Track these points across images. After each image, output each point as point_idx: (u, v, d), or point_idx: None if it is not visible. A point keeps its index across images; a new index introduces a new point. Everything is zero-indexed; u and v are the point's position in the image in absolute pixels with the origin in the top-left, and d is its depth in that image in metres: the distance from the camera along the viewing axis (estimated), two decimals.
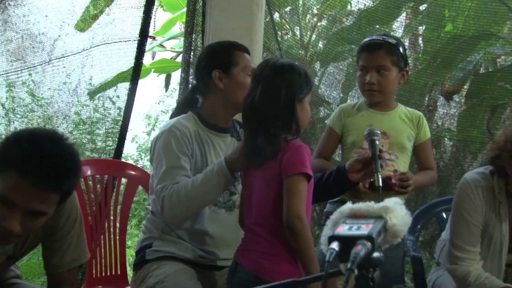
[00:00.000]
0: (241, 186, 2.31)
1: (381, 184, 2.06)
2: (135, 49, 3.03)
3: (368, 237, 1.16)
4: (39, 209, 1.69)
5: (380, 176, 2.06)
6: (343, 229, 1.20)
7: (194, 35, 3.19)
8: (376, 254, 1.19)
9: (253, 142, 1.96)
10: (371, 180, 2.33)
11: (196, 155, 2.23)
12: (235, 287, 1.99)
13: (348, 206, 1.31)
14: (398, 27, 3.56)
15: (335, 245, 1.16)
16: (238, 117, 2.46)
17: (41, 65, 3.07)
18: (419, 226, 2.88)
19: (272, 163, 1.95)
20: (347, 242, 1.16)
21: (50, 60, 3.04)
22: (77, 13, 3.02)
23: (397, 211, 1.28)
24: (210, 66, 2.28)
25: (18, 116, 3.49)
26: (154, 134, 6.82)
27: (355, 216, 1.27)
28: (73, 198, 1.94)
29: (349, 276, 1.10)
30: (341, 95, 3.58)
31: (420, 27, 3.70)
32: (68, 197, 1.79)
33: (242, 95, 2.24)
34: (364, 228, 1.20)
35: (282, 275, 1.79)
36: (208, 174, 2.09)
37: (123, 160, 3.86)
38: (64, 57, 3.06)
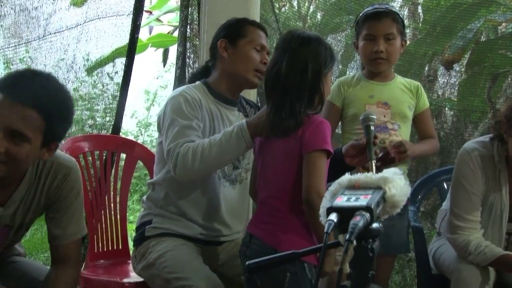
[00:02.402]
0: (245, 161, 2.30)
1: (374, 172, 2.02)
2: (130, 24, 2.99)
3: (367, 208, 1.16)
4: (19, 128, 1.71)
5: (374, 164, 2.02)
6: (341, 200, 1.20)
7: (190, 8, 3.15)
8: (375, 225, 1.19)
9: (277, 114, 1.94)
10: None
11: (205, 123, 2.21)
12: (250, 259, 1.98)
13: (347, 177, 1.30)
14: None
15: (333, 217, 1.16)
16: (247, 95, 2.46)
17: (35, 40, 3.04)
18: (420, 197, 2.88)
19: (292, 137, 1.94)
20: (346, 213, 1.16)
21: (44, 36, 3.00)
22: None
23: (396, 181, 1.27)
24: (219, 37, 2.29)
25: None
26: (154, 109, 6.85)
27: (353, 187, 1.26)
28: (77, 171, 1.99)
29: (348, 247, 1.10)
30: (340, 66, 3.54)
31: None
32: (57, 140, 1.84)
33: (243, 67, 2.22)
34: (363, 199, 1.19)
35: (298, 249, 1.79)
36: (227, 134, 2.05)
37: (122, 135, 3.86)
38: (58, 32, 3.03)
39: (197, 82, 2.31)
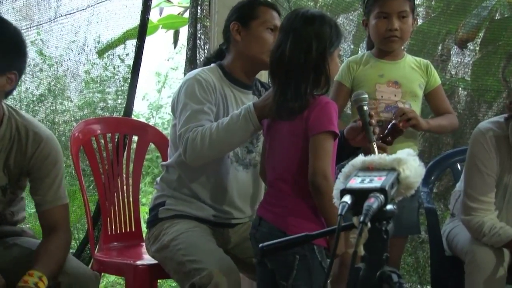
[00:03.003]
0: (260, 145, 2.30)
1: (376, 153, 1.97)
2: (141, 5, 2.98)
3: (381, 190, 1.14)
4: None
5: (375, 145, 1.99)
6: (355, 182, 1.19)
7: None
8: (389, 207, 1.18)
9: (282, 96, 1.92)
10: (381, 136, 2.32)
11: (219, 107, 2.21)
12: (259, 242, 1.98)
13: (360, 158, 1.28)
14: None
15: (347, 198, 1.15)
16: (259, 76, 2.44)
17: (47, 23, 3.05)
18: (433, 178, 2.86)
19: (298, 119, 1.92)
20: (360, 195, 1.15)
21: (55, 18, 3.00)
22: None
23: (410, 163, 1.25)
24: (231, 20, 2.27)
25: (29, 75, 3.47)
26: (165, 91, 6.84)
27: (367, 168, 1.25)
28: (51, 142, 2.08)
29: (362, 229, 1.09)
30: (352, 46, 3.51)
31: None
32: (15, 70, 1.96)
33: (258, 49, 2.21)
34: (377, 181, 1.18)
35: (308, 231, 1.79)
36: (234, 117, 2.05)
37: (134, 118, 3.86)
38: (69, 14, 3.03)
39: (212, 65, 2.30)
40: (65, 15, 3.03)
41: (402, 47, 2.62)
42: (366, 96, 2.06)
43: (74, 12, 3.03)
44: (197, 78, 2.18)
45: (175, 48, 5.86)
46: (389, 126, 2.32)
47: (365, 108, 2.02)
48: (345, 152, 2.11)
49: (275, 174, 1.99)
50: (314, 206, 1.92)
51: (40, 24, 3.06)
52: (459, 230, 2.45)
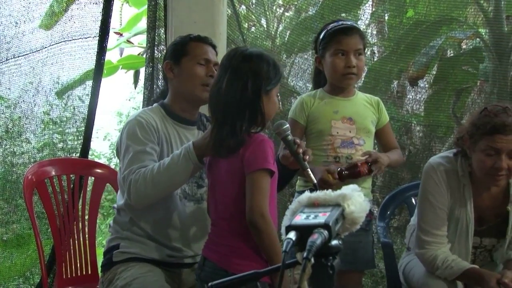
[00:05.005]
0: None
1: (315, 181, 2.00)
2: (96, 47, 2.99)
3: (325, 225, 1.16)
4: None
5: (310, 172, 2.00)
6: (300, 219, 1.21)
7: (157, 30, 3.17)
8: (334, 242, 1.20)
9: (219, 132, 1.92)
10: (338, 169, 2.36)
11: (162, 146, 2.21)
12: (204, 282, 1.97)
13: (306, 195, 1.30)
14: (361, 14, 3.56)
15: (292, 235, 1.16)
16: (204, 110, 2.46)
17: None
18: (388, 212, 2.89)
19: (235, 157, 1.92)
20: (304, 231, 1.16)
21: (7, 59, 2.99)
22: (33, 10, 2.97)
23: (355, 198, 1.28)
24: (165, 59, 2.33)
25: None
26: None
27: (313, 205, 1.27)
28: None
29: (306, 265, 1.10)
30: (308, 84, 3.58)
31: (386, 14, 3.72)
32: None
33: (189, 84, 2.24)
34: (321, 217, 1.20)
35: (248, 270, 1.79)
36: (175, 157, 2.06)
37: (95, 159, 3.83)
38: (22, 55, 3.02)
39: (155, 105, 2.33)
40: (18, 56, 3.02)
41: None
42: (288, 126, 2.04)
43: (27, 54, 3.02)
44: (137, 119, 2.19)
45: (135, 88, 5.87)
46: (349, 164, 2.38)
47: (289, 138, 2.02)
48: (287, 175, 2.14)
49: (217, 213, 1.99)
50: (255, 244, 1.91)
51: None
52: (414, 263, 2.48)
